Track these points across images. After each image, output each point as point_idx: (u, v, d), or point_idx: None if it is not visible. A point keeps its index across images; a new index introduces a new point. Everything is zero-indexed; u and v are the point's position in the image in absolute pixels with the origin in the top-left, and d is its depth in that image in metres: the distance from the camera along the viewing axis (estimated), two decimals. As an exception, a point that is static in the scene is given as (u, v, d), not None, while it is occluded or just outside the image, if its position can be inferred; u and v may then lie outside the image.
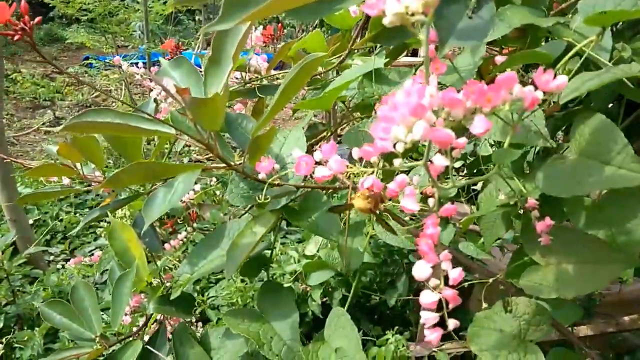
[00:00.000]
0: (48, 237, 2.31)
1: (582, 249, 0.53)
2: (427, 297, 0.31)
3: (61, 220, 2.40)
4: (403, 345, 1.63)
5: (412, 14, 0.26)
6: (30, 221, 2.23)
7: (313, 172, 0.33)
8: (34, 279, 1.84)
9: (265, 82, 0.84)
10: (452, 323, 0.32)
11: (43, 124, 4.32)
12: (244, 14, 0.31)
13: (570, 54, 0.45)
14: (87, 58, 4.76)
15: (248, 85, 0.80)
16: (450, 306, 0.31)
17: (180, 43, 0.88)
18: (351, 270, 0.59)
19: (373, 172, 0.36)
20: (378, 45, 0.74)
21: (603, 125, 0.46)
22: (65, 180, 0.77)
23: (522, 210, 0.56)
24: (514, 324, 0.56)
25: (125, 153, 0.67)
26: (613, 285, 1.21)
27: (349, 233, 0.60)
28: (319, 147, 0.33)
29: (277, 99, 0.52)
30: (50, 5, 3.08)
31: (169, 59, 0.88)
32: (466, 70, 0.57)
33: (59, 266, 1.92)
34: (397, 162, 0.31)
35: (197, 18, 6.97)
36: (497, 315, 0.57)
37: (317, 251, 1.75)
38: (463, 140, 0.30)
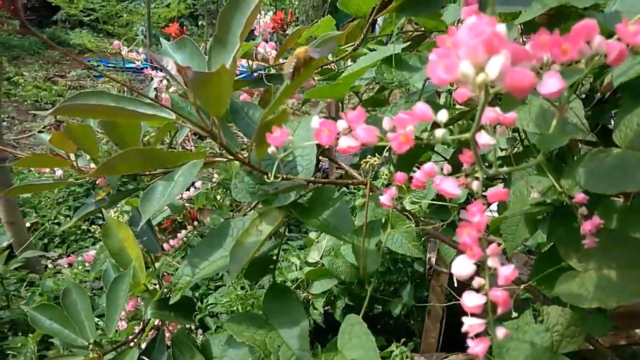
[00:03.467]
0: (45, 240, 2.26)
1: (626, 252, 0.47)
2: (472, 300, 0.26)
3: (59, 224, 2.35)
4: (407, 357, 1.58)
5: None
6: (28, 224, 2.18)
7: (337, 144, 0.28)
8: (29, 283, 1.79)
9: (273, 71, 0.79)
10: (501, 332, 0.27)
11: (44, 127, 4.28)
12: None
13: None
14: (90, 61, 4.75)
15: (255, 74, 0.75)
16: (500, 311, 0.26)
17: (184, 27, 0.83)
18: (368, 274, 0.53)
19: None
20: (394, 34, 0.69)
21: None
22: (58, 172, 0.72)
23: (556, 210, 0.51)
24: (546, 336, 0.51)
25: (122, 143, 0.62)
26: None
27: (365, 233, 0.55)
28: (345, 114, 0.28)
29: (285, 88, 0.47)
30: (53, 4, 3.05)
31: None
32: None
33: (56, 270, 1.87)
34: (439, 132, 0.26)
35: (200, 23, 6.97)
36: (527, 326, 0.51)
37: (320, 258, 1.70)
38: (512, 115, 0.25)
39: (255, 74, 0.75)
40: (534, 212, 0.63)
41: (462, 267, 0.25)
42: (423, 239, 0.80)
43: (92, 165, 0.70)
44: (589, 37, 0.22)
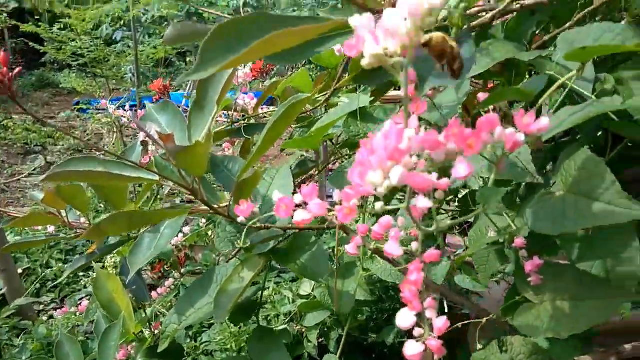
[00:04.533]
0: (38, 285, 2.26)
1: (577, 285, 0.51)
2: (412, 348, 0.29)
3: (51, 269, 2.36)
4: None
5: (391, 56, 0.26)
6: (20, 270, 2.19)
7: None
8: (22, 330, 1.78)
9: (253, 120, 0.84)
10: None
11: (34, 169, 4.30)
12: (223, 62, 0.30)
13: (552, 88, 0.45)
14: (78, 103, 4.80)
15: (236, 124, 0.80)
16: (436, 357, 0.30)
17: (169, 83, 0.88)
18: (343, 314, 0.57)
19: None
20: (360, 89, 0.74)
21: (589, 160, 0.45)
22: (51, 228, 0.76)
23: (509, 247, 0.55)
24: (511, 365, 0.55)
25: (110, 200, 0.66)
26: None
27: (340, 275, 0.59)
28: (300, 189, 0.32)
29: (261, 141, 0.51)
30: (41, 52, 3.12)
31: (157, 99, 0.88)
32: (450, 106, 0.57)
33: (48, 316, 1.87)
34: (378, 205, 0.30)
35: (188, 60, 7.08)
36: (493, 356, 0.55)
37: (312, 290, 1.72)
38: (445, 181, 0.29)
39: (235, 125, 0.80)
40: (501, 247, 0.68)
41: (404, 319, 0.29)
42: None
43: (83, 219, 0.73)
44: (491, 130, 0.27)
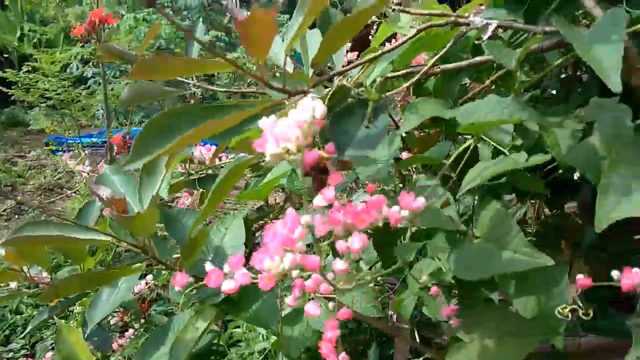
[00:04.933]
0: (7, 332, 2.22)
1: (502, 323, 0.56)
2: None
3: (21, 314, 2.32)
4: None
5: (291, 154, 0.31)
6: (-12, 317, 2.16)
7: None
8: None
9: (210, 171, 0.88)
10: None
11: (4, 210, 4.24)
12: (153, 154, 0.35)
13: (458, 150, 0.51)
14: (47, 143, 4.77)
15: (192, 176, 0.84)
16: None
17: (127, 137, 0.92)
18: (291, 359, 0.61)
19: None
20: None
21: (498, 212, 0.51)
22: (13, 284, 0.78)
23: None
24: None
25: (69, 256, 0.69)
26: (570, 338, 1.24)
27: (288, 322, 0.62)
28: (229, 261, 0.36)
29: (208, 201, 0.56)
30: (9, 94, 3.13)
31: (118, 152, 0.92)
32: (383, 161, 0.62)
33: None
34: (294, 273, 0.34)
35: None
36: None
37: (286, 325, 1.74)
38: (358, 243, 0.34)
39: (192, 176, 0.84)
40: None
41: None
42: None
43: (45, 274, 0.76)
44: (378, 208, 0.32)
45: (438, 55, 0.50)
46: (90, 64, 4.28)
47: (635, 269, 0.37)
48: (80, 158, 0.89)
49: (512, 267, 0.48)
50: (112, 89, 3.54)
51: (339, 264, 0.37)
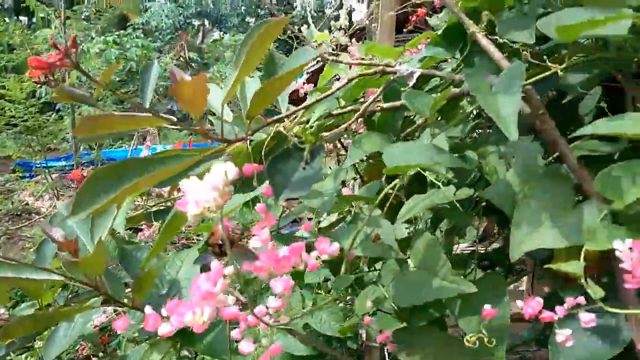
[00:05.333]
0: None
1: (441, 344, 0.60)
2: None
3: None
4: None
5: (211, 211, 0.34)
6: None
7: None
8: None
9: (170, 203, 0.90)
10: None
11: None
12: (93, 207, 0.37)
13: (386, 189, 0.55)
14: (14, 170, 4.70)
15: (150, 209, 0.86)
16: None
17: (87, 171, 0.94)
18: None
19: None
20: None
21: (430, 242, 0.55)
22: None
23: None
24: None
25: (28, 291, 0.70)
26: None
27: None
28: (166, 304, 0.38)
29: (159, 237, 0.58)
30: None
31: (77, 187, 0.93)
32: (328, 194, 0.66)
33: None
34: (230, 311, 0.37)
35: (132, 116, 7.03)
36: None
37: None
38: (280, 287, 0.37)
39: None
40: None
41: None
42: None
43: (2, 310, 0.77)
44: (298, 254, 0.35)
45: (370, 101, 0.54)
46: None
47: (537, 298, 0.41)
48: (40, 192, 0.89)
49: (440, 295, 0.51)
50: (79, 114, 3.53)
51: (272, 302, 0.40)
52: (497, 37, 0.53)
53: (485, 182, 0.61)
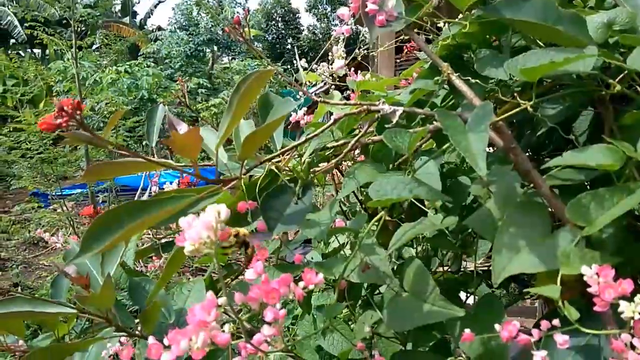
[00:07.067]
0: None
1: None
2: None
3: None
4: None
5: (207, 247, 0.37)
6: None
7: None
8: None
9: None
10: None
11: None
12: (98, 248, 0.41)
13: (373, 221, 0.58)
14: (33, 194, 4.80)
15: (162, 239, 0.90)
16: None
17: (100, 208, 0.98)
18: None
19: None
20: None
21: (419, 270, 0.58)
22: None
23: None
24: None
25: (44, 324, 0.74)
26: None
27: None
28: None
29: (164, 271, 0.62)
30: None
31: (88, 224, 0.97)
32: (325, 224, 0.69)
33: None
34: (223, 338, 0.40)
35: (144, 142, 7.18)
36: None
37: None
38: (270, 317, 0.40)
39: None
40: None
41: None
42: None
43: (21, 342, 0.81)
44: (287, 284, 0.39)
45: (356, 139, 0.58)
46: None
47: (514, 322, 0.43)
48: (55, 225, 0.94)
49: (430, 319, 0.54)
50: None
51: (266, 330, 0.44)
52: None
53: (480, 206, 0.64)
